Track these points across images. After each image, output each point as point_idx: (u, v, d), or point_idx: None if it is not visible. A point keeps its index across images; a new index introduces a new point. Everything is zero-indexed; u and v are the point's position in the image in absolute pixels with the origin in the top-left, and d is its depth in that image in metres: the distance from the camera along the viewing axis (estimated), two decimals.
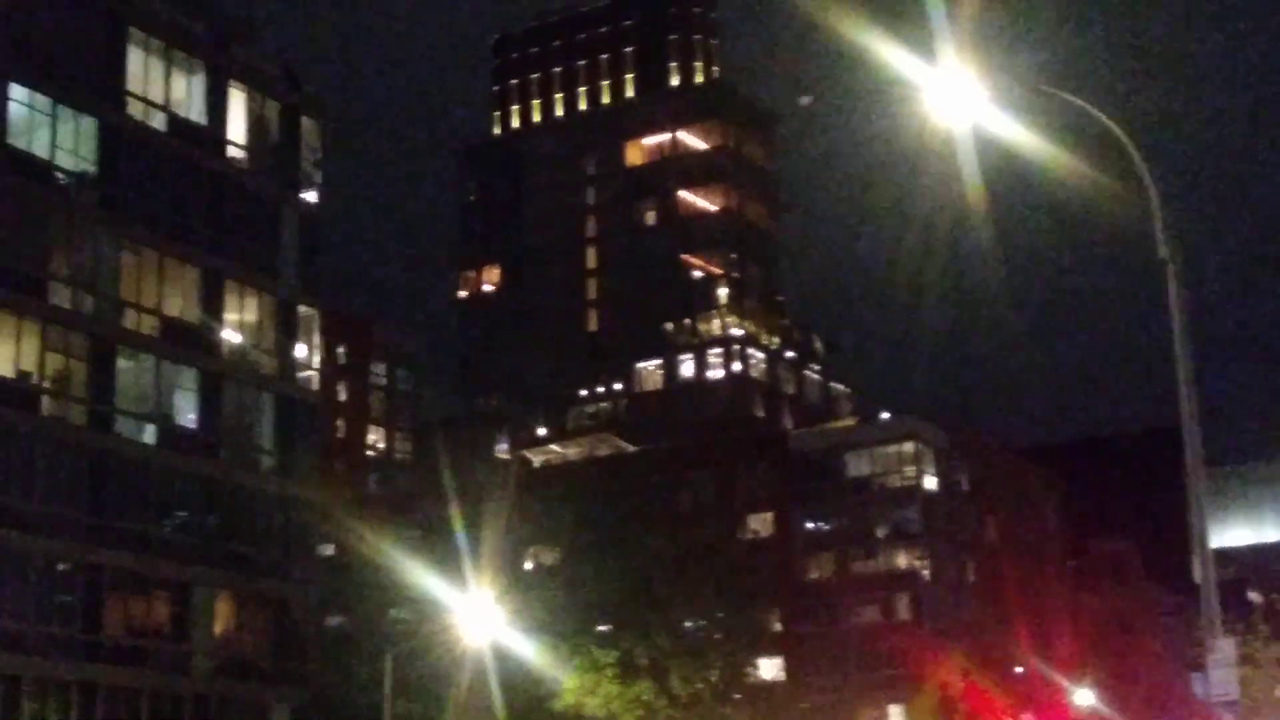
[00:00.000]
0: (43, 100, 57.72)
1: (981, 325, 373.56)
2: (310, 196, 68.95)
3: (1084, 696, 76.45)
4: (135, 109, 61.36)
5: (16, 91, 56.73)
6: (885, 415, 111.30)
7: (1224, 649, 23.18)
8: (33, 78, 57.26)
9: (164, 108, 62.55)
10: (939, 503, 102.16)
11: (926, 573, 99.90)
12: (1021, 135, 24.00)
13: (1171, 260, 23.51)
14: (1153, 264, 23.75)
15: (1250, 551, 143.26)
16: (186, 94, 63.75)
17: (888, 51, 23.63)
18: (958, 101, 23.35)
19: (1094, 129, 23.79)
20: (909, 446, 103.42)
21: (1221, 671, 23.08)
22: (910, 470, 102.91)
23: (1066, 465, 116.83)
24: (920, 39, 23.27)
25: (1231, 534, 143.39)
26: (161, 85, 62.56)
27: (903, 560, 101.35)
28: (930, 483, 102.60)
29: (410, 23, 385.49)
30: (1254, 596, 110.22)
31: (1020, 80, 24.69)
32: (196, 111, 64.05)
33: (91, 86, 59.61)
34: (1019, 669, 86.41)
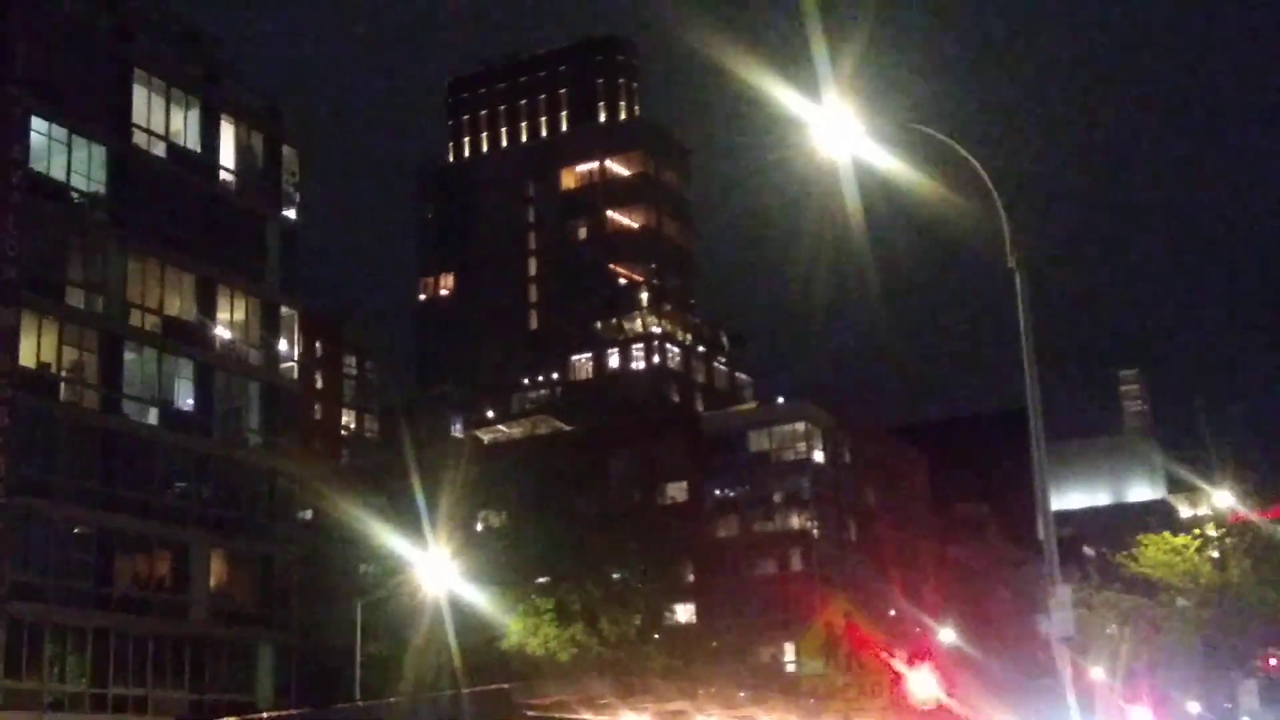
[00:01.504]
0: (60, 131, 57.28)
1: (861, 323, 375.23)
2: (290, 213, 68.70)
3: (946, 635, 76.87)
4: (140, 138, 60.99)
5: (37, 124, 56.33)
6: (781, 400, 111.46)
7: (1062, 594, 23.27)
8: (51, 111, 56.83)
9: (164, 137, 62.20)
10: (825, 473, 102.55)
11: (815, 532, 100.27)
12: (893, 164, 23.97)
13: (1018, 268, 23.56)
14: (1003, 272, 23.78)
15: (1084, 513, 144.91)
16: (184, 126, 63.42)
17: (782, 93, 23.55)
18: (839, 135, 23.31)
19: (954, 159, 23.79)
20: (800, 426, 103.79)
21: (1061, 613, 23.15)
22: (801, 446, 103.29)
23: (931, 441, 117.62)
24: (809, 83, 23.20)
25: (1069, 499, 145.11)
26: (162, 118, 62.25)
27: (795, 521, 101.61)
28: (818, 456, 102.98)
29: (378, 63, 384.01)
30: (1087, 551, 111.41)
31: (892, 118, 24.65)
32: (192, 141, 63.71)
33: (102, 119, 59.20)
34: (892, 612, 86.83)
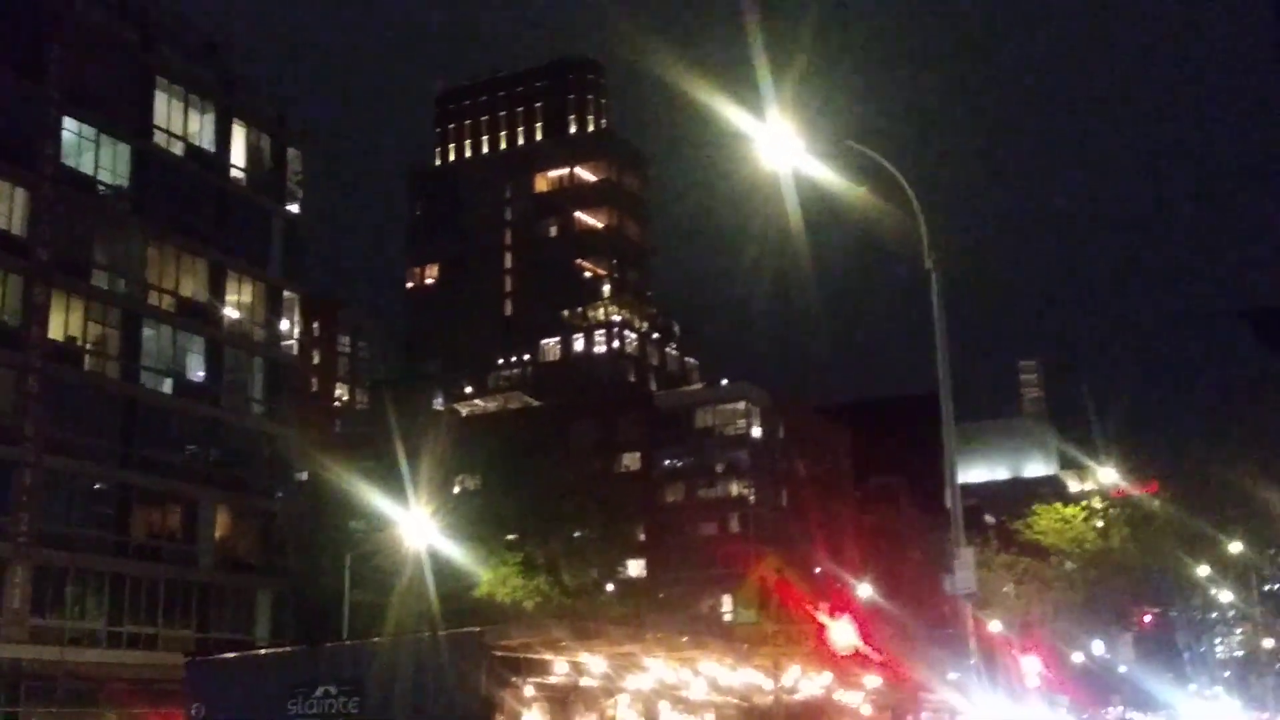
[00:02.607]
0: (89, 130, 56.73)
1: (797, 314, 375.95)
2: (293, 208, 68.13)
3: (864, 590, 77.01)
4: (160, 138, 60.33)
5: (68, 123, 55.80)
6: (724, 382, 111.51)
7: (965, 556, 23.36)
8: (81, 112, 56.28)
9: (182, 138, 61.59)
10: (761, 447, 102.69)
11: (751, 498, 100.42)
12: (829, 175, 23.98)
13: (934, 269, 23.64)
14: (921, 271, 23.86)
15: (986, 486, 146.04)
16: (199, 128, 62.86)
17: (730, 112, 23.55)
18: (780, 149, 23.31)
19: (882, 171, 23.85)
20: (741, 405, 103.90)
21: (964, 572, 23.24)
22: (741, 423, 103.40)
23: (854, 419, 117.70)
24: (756, 102, 23.20)
25: (972, 473, 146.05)
26: (180, 120, 61.69)
27: (734, 489, 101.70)
28: (756, 432, 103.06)
29: (375, 76, 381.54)
30: (988, 519, 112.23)
31: (829, 135, 24.66)
32: (207, 141, 63.13)
33: (126, 120, 58.61)
34: (817, 570, 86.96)
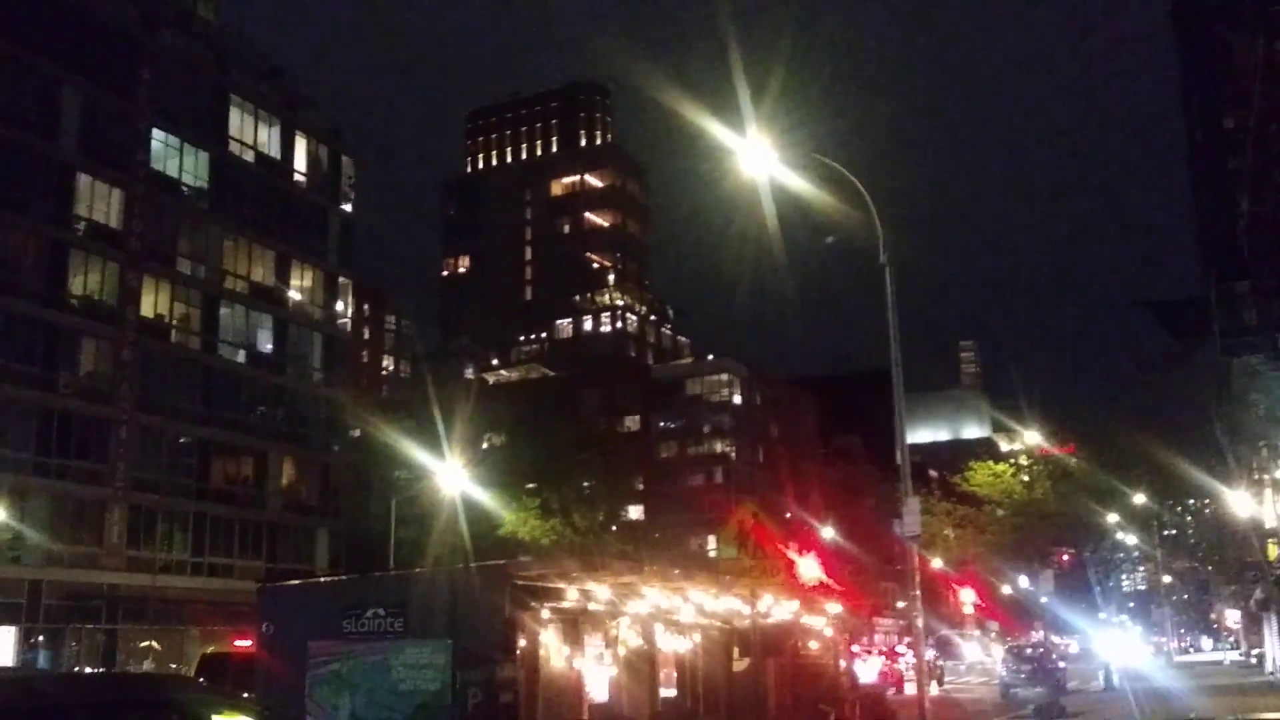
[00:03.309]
0: (174, 140, 56.63)
1: (772, 300, 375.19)
2: (347, 207, 67.95)
3: (827, 532, 77.22)
4: (234, 147, 60.19)
5: (157, 134, 55.70)
6: (710, 357, 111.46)
7: (912, 504, 23.44)
8: (168, 125, 56.18)
9: (253, 147, 61.46)
10: (742, 412, 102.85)
11: (732, 455, 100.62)
12: (800, 183, 23.91)
13: (888, 264, 23.65)
14: (877, 265, 23.86)
15: (930, 446, 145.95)
16: (267, 139, 62.66)
17: (716, 128, 23.48)
18: (758, 160, 23.26)
19: (845, 180, 23.78)
20: (724, 376, 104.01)
21: (910, 518, 23.32)
22: (725, 391, 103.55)
23: (820, 389, 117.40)
24: (737, 121, 23.15)
25: (918, 435, 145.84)
26: (251, 133, 61.52)
27: (718, 447, 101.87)
28: (737, 399, 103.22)
29: (417, 96, 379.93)
30: (932, 473, 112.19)
31: (801, 148, 24.61)
32: (274, 150, 62.95)
33: (205, 132, 58.46)
34: (787, 515, 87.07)
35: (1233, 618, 79.04)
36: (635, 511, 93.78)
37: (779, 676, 22.67)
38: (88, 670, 45.48)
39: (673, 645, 21.37)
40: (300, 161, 64.57)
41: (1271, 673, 51.40)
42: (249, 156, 61.12)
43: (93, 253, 52.41)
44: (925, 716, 24.39)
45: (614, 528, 75.30)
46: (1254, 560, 49.46)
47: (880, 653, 54.04)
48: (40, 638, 48.41)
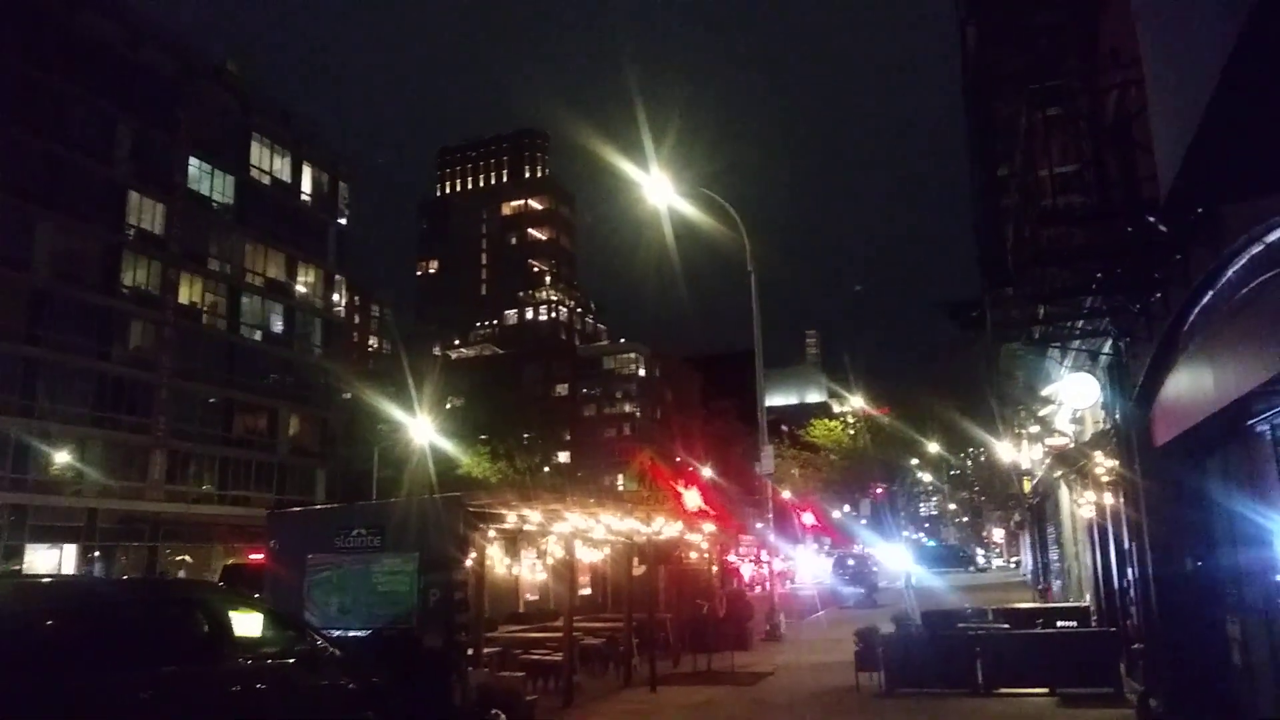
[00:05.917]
0: (207, 166, 54.92)
1: (670, 297, 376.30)
2: (342, 221, 66.47)
3: (706, 472, 78.01)
4: (254, 173, 58.53)
5: (193, 161, 53.95)
6: (622, 340, 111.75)
7: (768, 451, 23.89)
8: (202, 154, 54.41)
9: (269, 173, 59.83)
10: (645, 382, 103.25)
11: (637, 414, 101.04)
12: (690, 209, 24.05)
13: (753, 271, 23.91)
14: (745, 273, 24.10)
15: (782, 408, 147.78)
16: (281, 167, 61.06)
17: (627, 166, 23.50)
18: (659, 191, 23.34)
19: (722, 206, 24.01)
20: (632, 355, 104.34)
21: (767, 461, 23.75)
22: (632, 366, 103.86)
23: (704, 365, 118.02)
24: (643, 159, 23.21)
25: (774, 399, 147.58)
26: (269, 162, 59.90)
27: (627, 408, 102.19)
28: (641, 372, 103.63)
29: (400, 135, 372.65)
30: (784, 428, 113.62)
31: (691, 181, 24.76)
32: (286, 176, 61.36)
33: (232, 160, 56.76)
34: (677, 459, 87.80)
35: (999, 535, 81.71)
36: (564, 456, 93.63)
37: (667, 579, 23.00)
38: (134, 577, 44.23)
39: (588, 556, 21.49)
40: (306, 185, 63.10)
41: (1024, 576, 53.24)
42: (266, 180, 59.52)
43: (140, 254, 50.67)
44: (775, 606, 24.92)
45: (546, 469, 75.19)
46: (1014, 492, 51.11)
47: (751, 560, 54.72)
48: (96, 554, 46.99)
